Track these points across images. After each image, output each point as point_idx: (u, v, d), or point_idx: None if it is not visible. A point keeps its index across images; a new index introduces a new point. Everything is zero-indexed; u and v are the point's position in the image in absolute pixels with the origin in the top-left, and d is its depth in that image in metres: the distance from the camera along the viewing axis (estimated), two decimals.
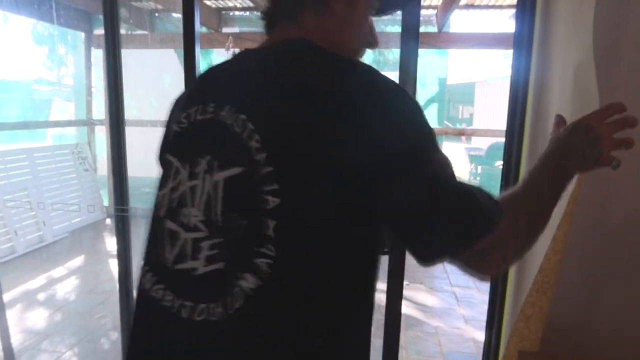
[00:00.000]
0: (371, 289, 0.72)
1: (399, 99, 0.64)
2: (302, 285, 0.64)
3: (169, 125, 0.80)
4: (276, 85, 0.66)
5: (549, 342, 1.16)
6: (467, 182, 0.63)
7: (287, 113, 0.63)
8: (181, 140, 0.74)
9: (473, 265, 0.66)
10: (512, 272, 1.55)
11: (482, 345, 1.74)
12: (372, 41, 0.82)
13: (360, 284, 0.70)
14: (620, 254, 1.14)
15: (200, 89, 0.78)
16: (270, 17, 0.78)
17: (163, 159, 0.76)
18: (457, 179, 0.63)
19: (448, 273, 4.20)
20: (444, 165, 0.62)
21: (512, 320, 1.49)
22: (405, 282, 4.24)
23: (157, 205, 0.73)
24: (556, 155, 0.76)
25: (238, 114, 0.66)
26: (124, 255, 1.68)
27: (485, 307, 1.68)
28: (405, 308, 3.50)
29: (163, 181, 0.74)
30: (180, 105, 0.78)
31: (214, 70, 0.79)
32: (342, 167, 0.60)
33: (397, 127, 0.61)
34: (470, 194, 0.62)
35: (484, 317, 1.70)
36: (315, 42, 0.70)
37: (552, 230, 1.13)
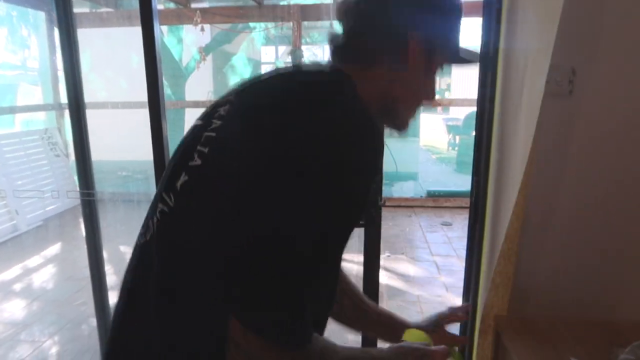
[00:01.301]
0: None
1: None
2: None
3: None
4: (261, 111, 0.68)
5: (521, 305, 1.18)
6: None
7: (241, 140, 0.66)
8: None
9: None
10: (486, 240, 1.56)
11: None
12: (430, 97, 0.81)
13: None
14: (587, 233, 1.16)
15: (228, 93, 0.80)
16: (341, 53, 0.77)
17: None
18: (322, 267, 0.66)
19: (429, 243, 4.26)
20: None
21: (486, 287, 1.50)
22: (386, 254, 4.28)
23: None
24: None
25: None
26: (93, 240, 1.63)
27: None
28: (388, 279, 3.54)
29: None
30: None
31: (248, 81, 0.80)
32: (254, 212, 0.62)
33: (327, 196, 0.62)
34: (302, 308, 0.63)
35: None
36: (368, 98, 0.69)
37: (515, 192, 1.14)
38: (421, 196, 5.69)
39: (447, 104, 7.49)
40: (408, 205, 5.45)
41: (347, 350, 0.76)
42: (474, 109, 1.61)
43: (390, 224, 4.70)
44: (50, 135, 5.44)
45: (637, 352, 0.88)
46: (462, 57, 0.82)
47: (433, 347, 0.86)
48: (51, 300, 3.24)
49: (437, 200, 5.51)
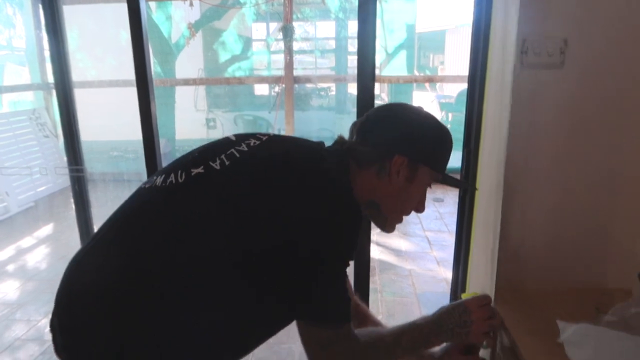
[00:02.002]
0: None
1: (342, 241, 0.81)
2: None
3: None
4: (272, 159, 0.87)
5: (510, 274, 1.19)
6: (342, 291, 0.84)
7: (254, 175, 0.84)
8: None
9: (317, 350, 0.84)
10: (476, 213, 1.57)
11: None
12: (418, 209, 0.97)
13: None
14: (573, 204, 1.17)
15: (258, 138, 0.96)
16: (346, 152, 0.93)
17: None
18: (338, 289, 0.83)
19: (420, 218, 4.29)
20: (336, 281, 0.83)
21: (477, 259, 1.52)
22: (378, 229, 4.30)
23: None
24: (432, 327, 0.95)
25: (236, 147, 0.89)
26: (83, 216, 1.62)
27: None
28: (380, 253, 3.57)
29: None
30: None
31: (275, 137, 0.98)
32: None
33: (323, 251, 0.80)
34: (333, 301, 0.83)
35: None
36: (356, 186, 0.88)
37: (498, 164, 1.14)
38: None
39: (439, 81, 7.45)
40: None
41: (394, 328, 0.94)
42: (466, 85, 1.60)
43: None
44: (38, 116, 5.35)
45: (619, 313, 0.90)
46: (445, 181, 0.97)
47: (469, 298, 0.98)
48: (45, 280, 3.24)
49: None
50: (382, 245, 3.72)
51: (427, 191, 0.97)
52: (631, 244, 1.17)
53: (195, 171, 0.84)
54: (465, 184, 1.44)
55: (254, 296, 0.81)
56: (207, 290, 0.78)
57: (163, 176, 0.86)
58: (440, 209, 4.56)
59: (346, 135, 0.98)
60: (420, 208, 0.97)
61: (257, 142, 0.90)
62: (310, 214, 0.78)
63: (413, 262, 3.45)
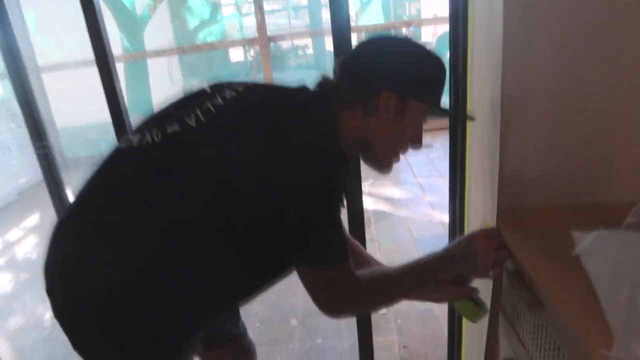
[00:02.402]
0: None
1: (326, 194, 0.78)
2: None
3: None
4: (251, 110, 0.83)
5: (511, 199, 1.15)
6: (336, 236, 0.83)
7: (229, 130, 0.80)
8: None
9: (319, 292, 0.82)
10: (469, 145, 1.52)
11: None
12: (415, 143, 0.92)
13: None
14: (573, 124, 1.11)
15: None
16: (331, 92, 0.88)
17: None
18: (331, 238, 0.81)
19: (411, 165, 4.25)
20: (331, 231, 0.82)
21: (474, 191, 1.48)
22: (370, 181, 4.25)
23: None
24: (436, 262, 0.95)
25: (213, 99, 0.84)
26: (57, 194, 1.54)
27: None
28: (374, 204, 3.55)
29: None
30: None
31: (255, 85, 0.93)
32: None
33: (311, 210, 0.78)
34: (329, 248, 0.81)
35: None
36: (344, 127, 0.85)
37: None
38: None
39: (417, 24, 7.27)
40: None
41: (398, 266, 0.92)
42: (446, 29, 1.50)
43: None
44: (7, 107, 5.16)
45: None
46: (440, 112, 0.92)
47: (476, 231, 0.97)
48: (38, 269, 3.17)
49: None
50: (375, 196, 3.69)
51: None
52: (633, 159, 1.13)
53: (170, 129, 0.80)
54: (463, 114, 1.37)
55: (247, 276, 0.82)
56: (195, 271, 0.77)
57: (139, 135, 0.83)
58: (429, 154, 4.52)
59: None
60: (416, 142, 0.93)
61: (234, 94, 0.85)
62: (300, 180, 0.76)
63: (407, 209, 3.42)
